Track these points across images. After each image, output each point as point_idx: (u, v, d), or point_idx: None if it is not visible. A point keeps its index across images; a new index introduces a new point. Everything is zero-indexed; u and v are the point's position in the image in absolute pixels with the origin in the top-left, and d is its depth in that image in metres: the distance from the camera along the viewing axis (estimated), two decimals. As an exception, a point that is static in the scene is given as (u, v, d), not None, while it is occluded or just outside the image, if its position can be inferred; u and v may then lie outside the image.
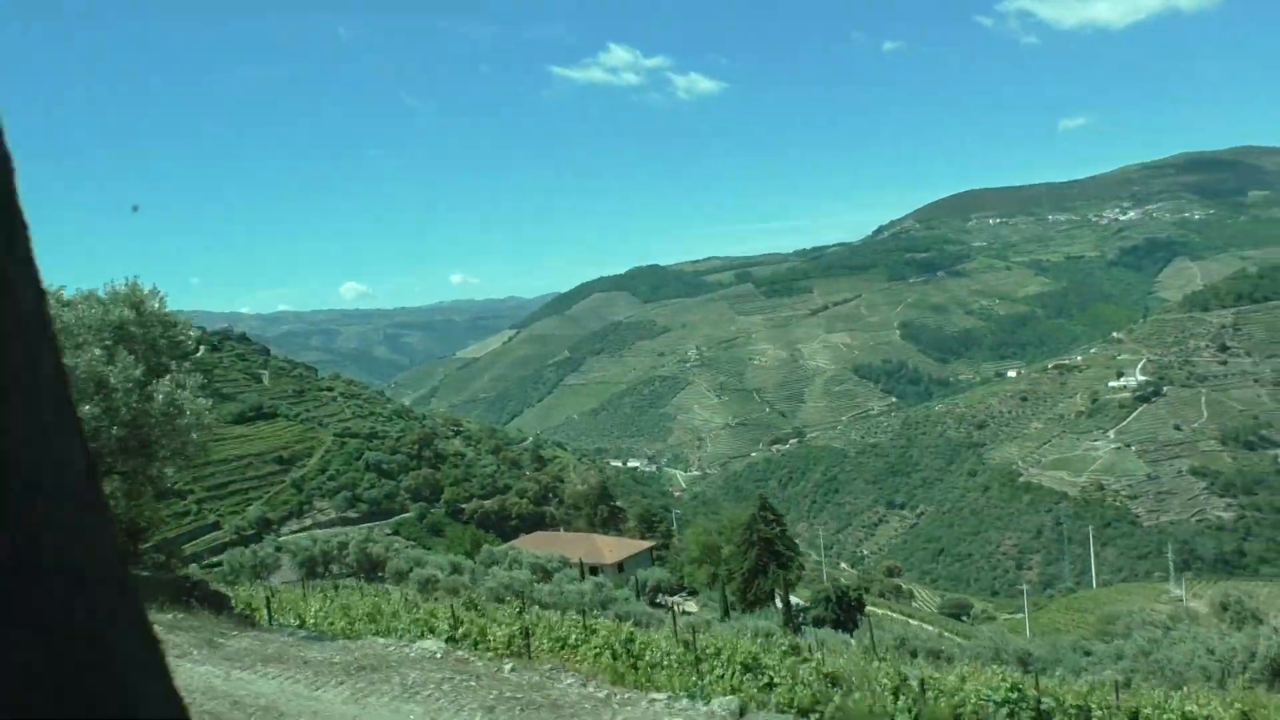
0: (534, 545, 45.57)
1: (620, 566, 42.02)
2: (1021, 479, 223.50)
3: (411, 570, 38.41)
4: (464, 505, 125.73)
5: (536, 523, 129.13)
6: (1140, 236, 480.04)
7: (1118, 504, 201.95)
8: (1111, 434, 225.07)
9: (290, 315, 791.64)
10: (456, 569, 38.09)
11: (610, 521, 74.26)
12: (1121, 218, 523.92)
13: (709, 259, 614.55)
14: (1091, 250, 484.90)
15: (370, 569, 42.61)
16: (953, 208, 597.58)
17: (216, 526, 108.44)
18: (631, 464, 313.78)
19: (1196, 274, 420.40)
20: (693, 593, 47.94)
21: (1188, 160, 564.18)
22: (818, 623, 37.93)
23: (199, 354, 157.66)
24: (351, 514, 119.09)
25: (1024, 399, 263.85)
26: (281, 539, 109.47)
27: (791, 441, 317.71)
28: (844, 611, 39.89)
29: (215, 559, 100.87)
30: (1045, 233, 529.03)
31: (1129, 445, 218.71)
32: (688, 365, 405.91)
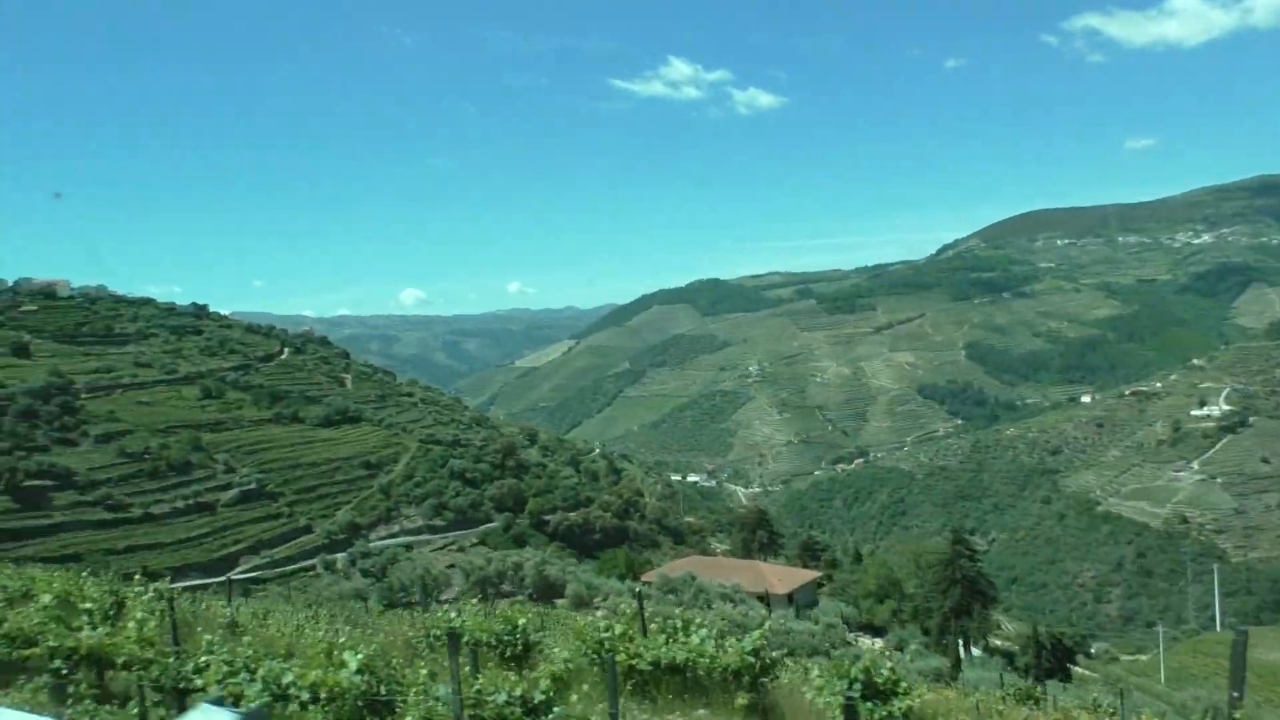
0: (692, 569, 44.37)
1: (790, 597, 40.66)
2: (1100, 508, 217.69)
3: (607, 598, 37.27)
4: (548, 517, 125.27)
5: (619, 537, 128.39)
6: (1214, 260, 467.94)
7: (1203, 538, 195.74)
8: (1195, 464, 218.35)
9: (351, 319, 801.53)
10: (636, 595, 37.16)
11: (769, 548, 72.74)
12: (1194, 241, 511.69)
13: (770, 274, 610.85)
14: (1163, 274, 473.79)
15: (545, 592, 41.74)
16: (1018, 227, 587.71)
17: (308, 530, 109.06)
18: (691, 478, 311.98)
19: (1276, 301, 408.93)
20: (876, 630, 46.21)
21: (1262, 183, 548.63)
22: (1028, 671, 36.21)
23: (284, 355, 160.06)
24: (438, 522, 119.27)
25: (1100, 425, 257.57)
26: (371, 543, 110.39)
27: (857, 462, 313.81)
28: (1055, 659, 38.02)
29: (367, 567, 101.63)
30: (1115, 255, 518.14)
31: (1214, 477, 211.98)
32: (749, 380, 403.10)
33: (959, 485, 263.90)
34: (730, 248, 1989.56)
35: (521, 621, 14.59)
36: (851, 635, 38.57)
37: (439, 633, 15.52)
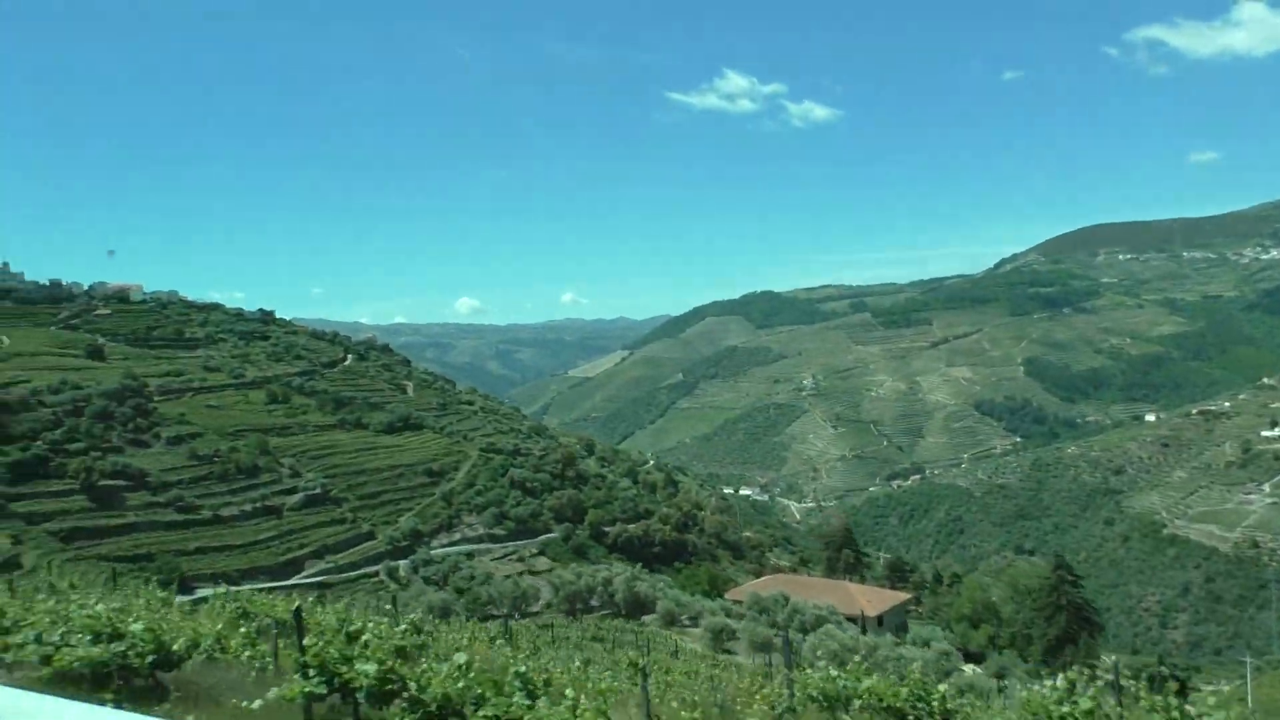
0: (779, 589, 43.67)
1: (880, 620, 39.76)
2: (1166, 531, 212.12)
3: (704, 617, 36.72)
4: (607, 528, 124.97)
5: (678, 550, 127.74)
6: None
7: (1275, 563, 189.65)
8: (1267, 487, 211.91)
9: (407, 327, 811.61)
10: (725, 612, 36.58)
11: (854, 568, 71.57)
12: (1262, 256, 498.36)
13: (824, 286, 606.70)
14: (1230, 290, 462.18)
15: (634, 608, 41.27)
16: (1078, 242, 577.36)
17: (371, 536, 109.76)
18: (743, 492, 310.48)
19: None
20: (970, 656, 44.82)
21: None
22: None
23: (347, 362, 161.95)
24: (498, 531, 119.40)
25: (1166, 445, 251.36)
26: (433, 551, 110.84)
27: (913, 478, 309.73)
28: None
29: (429, 574, 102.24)
30: (1179, 270, 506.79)
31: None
32: (803, 394, 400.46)
33: (1018, 504, 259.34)
34: (784, 260, 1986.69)
35: (942, 689, 11.52)
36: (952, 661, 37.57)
37: (817, 694, 12.11)
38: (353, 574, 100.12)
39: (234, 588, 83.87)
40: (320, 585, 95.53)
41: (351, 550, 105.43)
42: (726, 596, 46.76)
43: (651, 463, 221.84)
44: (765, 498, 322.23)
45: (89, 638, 10.96)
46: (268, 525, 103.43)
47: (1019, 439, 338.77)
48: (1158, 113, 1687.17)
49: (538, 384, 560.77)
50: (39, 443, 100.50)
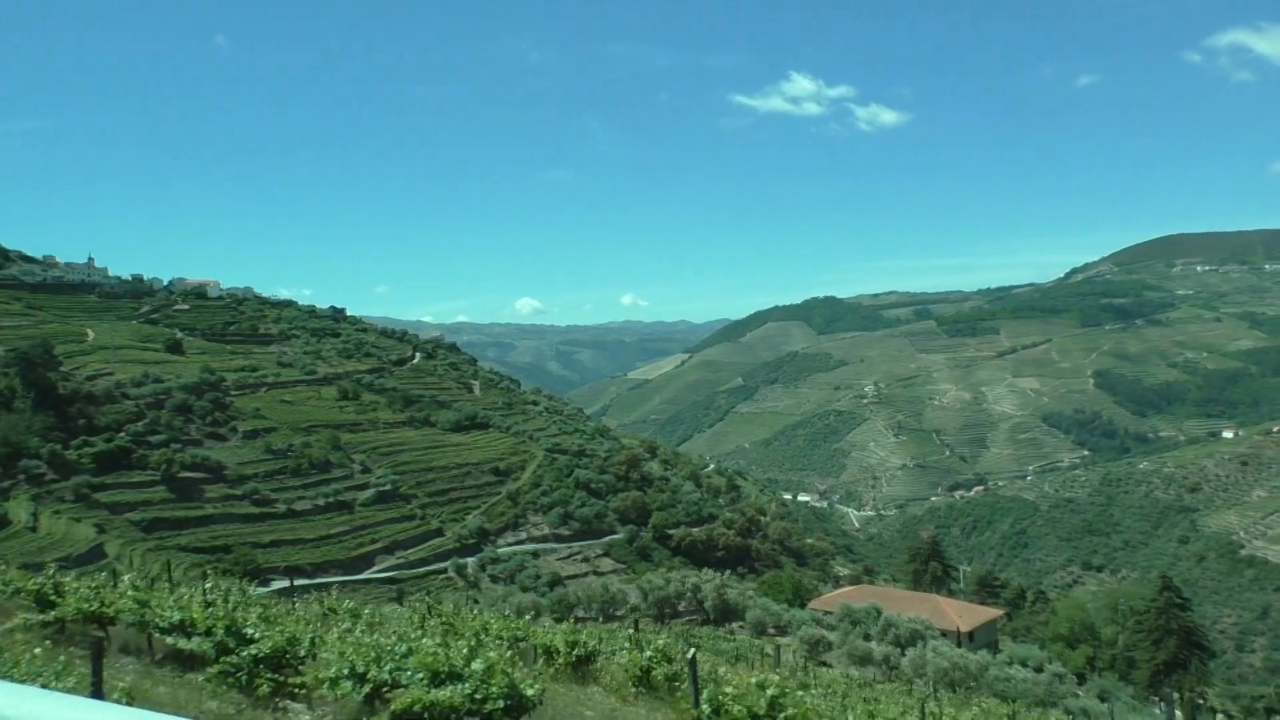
0: (863, 600, 43.01)
1: (971, 636, 38.95)
2: (1244, 551, 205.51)
3: (795, 627, 36.40)
4: (671, 531, 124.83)
5: (741, 556, 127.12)
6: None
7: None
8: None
9: (469, 326, 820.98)
10: (815, 622, 36.18)
11: (942, 581, 70.58)
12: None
13: (888, 293, 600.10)
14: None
15: (723, 615, 41.07)
16: (1153, 252, 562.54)
17: (439, 533, 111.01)
18: (802, 498, 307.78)
19: None
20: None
21: None
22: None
23: (415, 360, 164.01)
24: (564, 531, 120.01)
25: (1244, 463, 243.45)
26: (500, 549, 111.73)
27: (977, 489, 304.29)
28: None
29: (496, 572, 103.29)
30: (1260, 283, 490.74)
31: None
32: (864, 401, 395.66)
33: (1087, 519, 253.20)
34: (847, 266, 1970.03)
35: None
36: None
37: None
38: (422, 570, 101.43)
39: (308, 580, 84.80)
40: (390, 581, 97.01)
41: (421, 546, 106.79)
42: (810, 606, 46.25)
43: (712, 467, 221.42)
44: (824, 505, 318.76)
45: (424, 676, 9.50)
46: (340, 520, 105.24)
47: (1087, 452, 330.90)
48: (1240, 120, 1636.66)
49: (597, 385, 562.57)
50: (123, 434, 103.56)
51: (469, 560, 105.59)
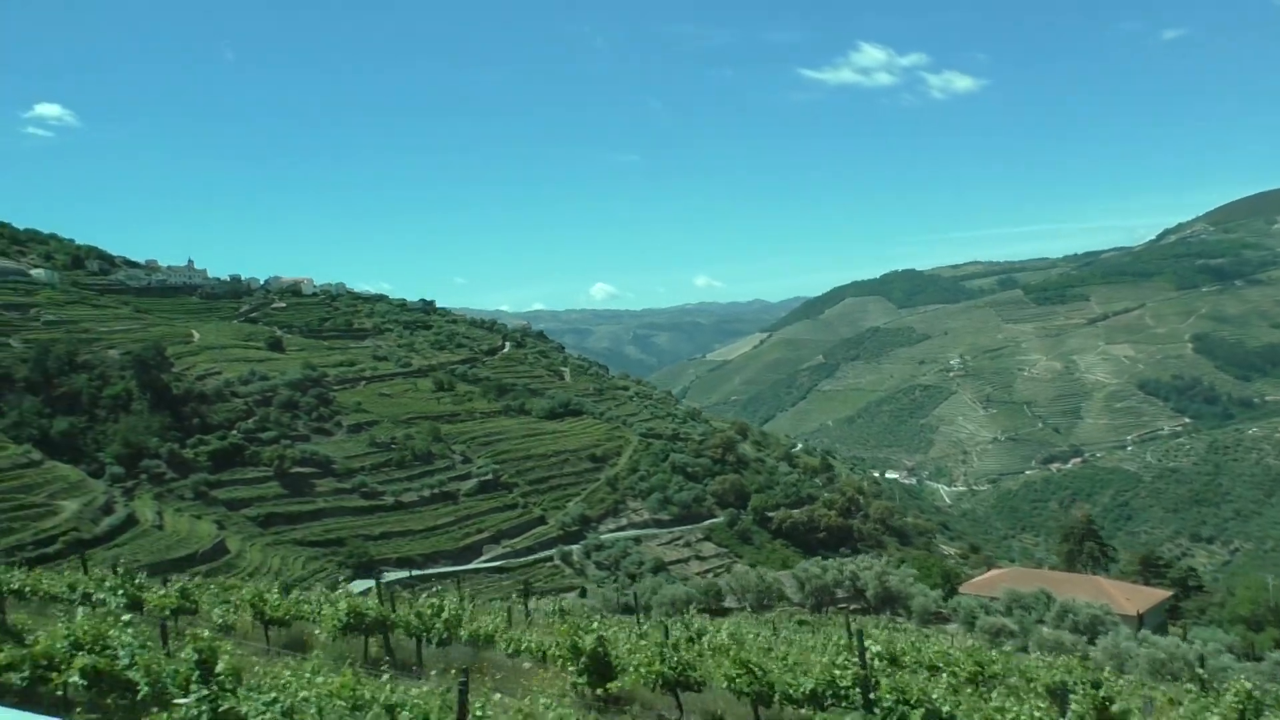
0: (1014, 584, 41.48)
1: (1140, 620, 37.25)
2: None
3: (969, 615, 35.16)
4: (771, 514, 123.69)
5: (843, 537, 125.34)
6: None
7: None
8: None
9: (546, 314, 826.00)
10: (984, 609, 34.87)
11: (1099, 562, 68.51)
12: None
13: (969, 263, 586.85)
14: None
15: (883, 602, 40.02)
16: (1252, 209, 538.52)
17: (542, 521, 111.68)
18: (889, 475, 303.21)
19: None
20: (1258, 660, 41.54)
21: None
22: None
23: (505, 349, 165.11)
24: (663, 516, 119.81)
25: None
26: (602, 536, 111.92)
27: (1074, 461, 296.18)
28: None
29: (601, 559, 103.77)
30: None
31: None
32: (950, 374, 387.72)
33: (1193, 489, 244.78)
34: (925, 238, 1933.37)
35: None
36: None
37: None
38: (528, 558, 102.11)
39: (420, 571, 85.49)
40: (500, 570, 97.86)
41: (525, 535, 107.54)
42: (960, 591, 44.85)
43: (800, 446, 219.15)
44: (912, 481, 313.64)
45: None
46: (445, 510, 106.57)
47: (1189, 420, 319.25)
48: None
49: (675, 368, 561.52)
50: (235, 432, 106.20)
51: (573, 548, 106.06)
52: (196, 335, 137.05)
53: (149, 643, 11.01)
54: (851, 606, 39.70)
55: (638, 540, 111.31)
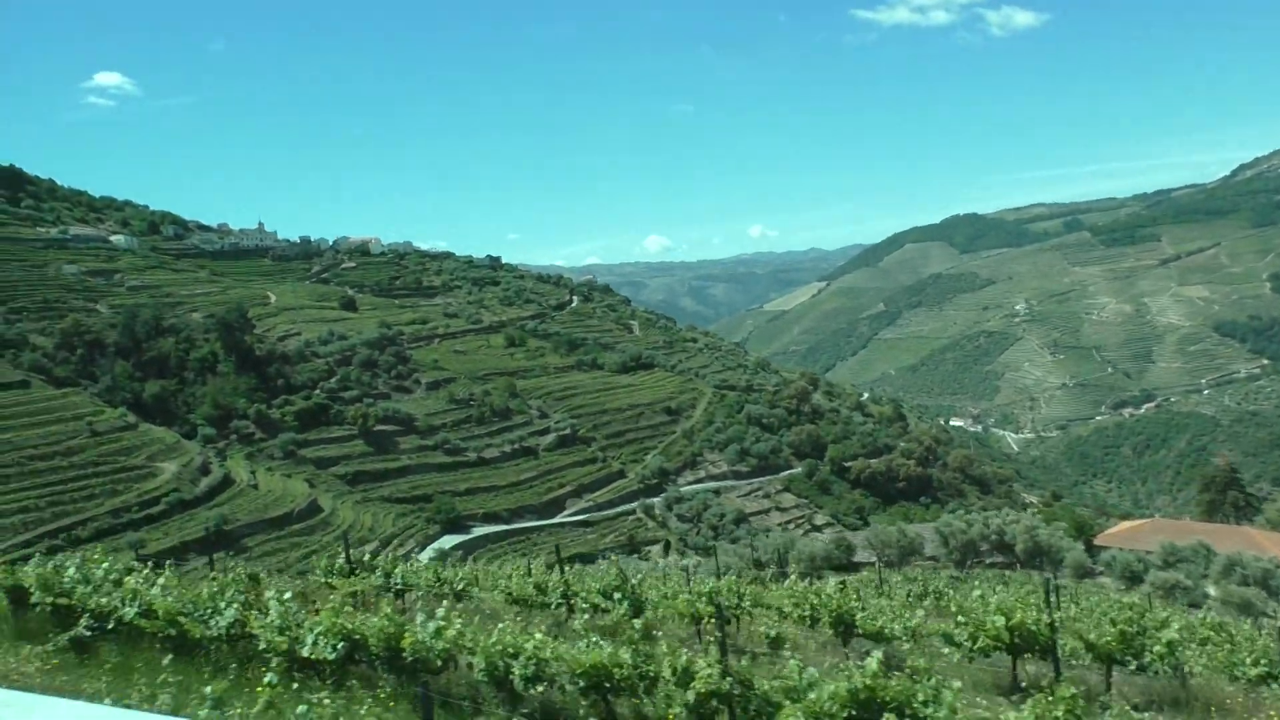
0: (1160, 536, 40.30)
1: (1298, 572, 36.09)
2: None
3: (1129, 571, 34.06)
4: (848, 464, 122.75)
5: (923, 486, 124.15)
6: None
7: None
8: None
9: (600, 268, 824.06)
10: (1142, 564, 33.78)
11: (1243, 511, 66.70)
12: None
13: (1033, 205, 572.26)
14: None
15: (1032, 557, 39.01)
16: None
17: (621, 475, 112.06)
18: (954, 423, 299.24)
19: None
20: None
21: None
22: None
23: (573, 304, 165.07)
24: (741, 467, 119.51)
25: None
26: (682, 489, 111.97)
27: (1146, 406, 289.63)
28: None
29: (682, 511, 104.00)
30: None
31: None
32: (1016, 320, 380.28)
33: (1274, 432, 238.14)
34: (986, 180, 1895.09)
35: None
36: None
37: None
38: (610, 512, 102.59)
39: (505, 526, 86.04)
40: (584, 524, 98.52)
41: (606, 489, 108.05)
42: (1096, 543, 43.72)
43: (866, 395, 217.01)
44: (978, 429, 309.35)
45: None
46: (527, 465, 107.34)
47: (1267, 361, 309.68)
48: None
49: (733, 319, 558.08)
50: (318, 392, 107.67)
51: (654, 501, 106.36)
52: (273, 297, 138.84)
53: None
54: (997, 560, 38.83)
55: (717, 492, 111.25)
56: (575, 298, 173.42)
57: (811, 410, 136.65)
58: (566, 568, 17.93)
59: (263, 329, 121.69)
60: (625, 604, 12.78)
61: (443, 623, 8.87)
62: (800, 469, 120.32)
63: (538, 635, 8.73)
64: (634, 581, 14.65)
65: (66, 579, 10.36)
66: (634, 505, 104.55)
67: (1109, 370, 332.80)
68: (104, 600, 9.82)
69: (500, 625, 8.98)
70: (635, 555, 75.43)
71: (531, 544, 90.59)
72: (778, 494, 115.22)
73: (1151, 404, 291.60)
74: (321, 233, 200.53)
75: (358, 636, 8.88)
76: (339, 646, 8.78)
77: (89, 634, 9.54)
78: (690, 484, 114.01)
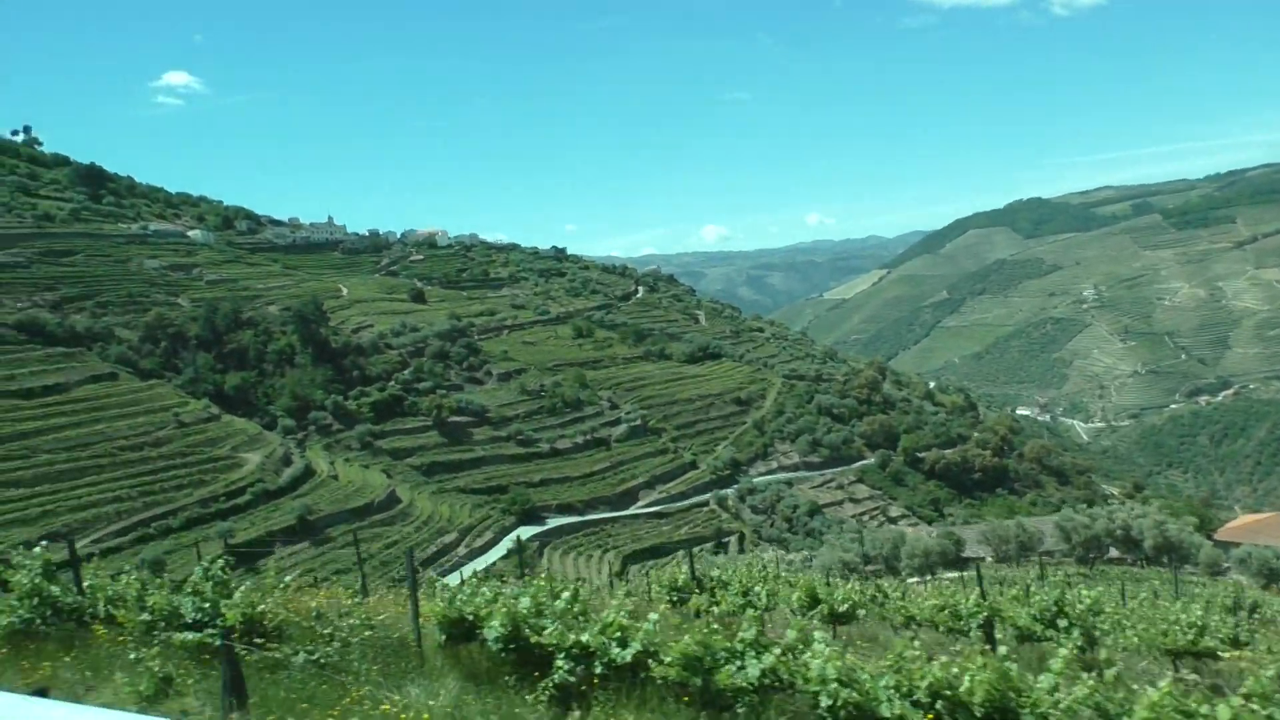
0: (1274, 528, 39.03)
1: None
2: None
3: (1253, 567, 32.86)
4: (922, 454, 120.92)
5: (999, 477, 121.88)
6: None
7: None
8: None
9: (657, 258, 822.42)
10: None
11: None
12: None
13: (1100, 188, 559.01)
14: None
15: (1160, 553, 37.87)
16: None
17: (693, 466, 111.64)
18: (1021, 412, 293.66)
19: None
20: None
21: None
22: None
23: (639, 294, 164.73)
24: (813, 458, 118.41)
25: None
26: (754, 480, 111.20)
27: (1224, 394, 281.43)
28: None
29: (755, 503, 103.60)
30: None
31: None
32: (1084, 306, 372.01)
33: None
34: (1050, 163, 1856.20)
35: None
36: None
37: None
38: (684, 503, 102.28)
39: (579, 518, 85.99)
40: (658, 515, 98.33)
41: (679, 480, 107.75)
42: (1217, 537, 42.40)
43: (933, 385, 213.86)
44: (1046, 418, 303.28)
45: None
46: (600, 456, 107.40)
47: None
48: None
49: (792, 308, 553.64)
50: (393, 383, 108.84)
51: (727, 492, 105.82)
52: (345, 290, 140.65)
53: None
54: (1116, 556, 37.68)
55: (789, 484, 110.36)
56: (641, 288, 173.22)
57: (882, 400, 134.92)
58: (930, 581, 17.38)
59: (337, 321, 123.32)
60: (1075, 633, 11.08)
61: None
62: (873, 460, 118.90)
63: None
64: (1082, 607, 12.70)
65: (523, 607, 8.43)
66: (707, 496, 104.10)
67: (1182, 357, 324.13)
68: (585, 639, 7.86)
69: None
70: (718, 550, 74.97)
71: (606, 535, 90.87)
72: (851, 485, 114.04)
73: (1229, 391, 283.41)
74: (388, 226, 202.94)
75: (949, 693, 6.36)
76: (938, 706, 6.37)
77: (573, 679, 7.86)
78: (762, 475, 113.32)
